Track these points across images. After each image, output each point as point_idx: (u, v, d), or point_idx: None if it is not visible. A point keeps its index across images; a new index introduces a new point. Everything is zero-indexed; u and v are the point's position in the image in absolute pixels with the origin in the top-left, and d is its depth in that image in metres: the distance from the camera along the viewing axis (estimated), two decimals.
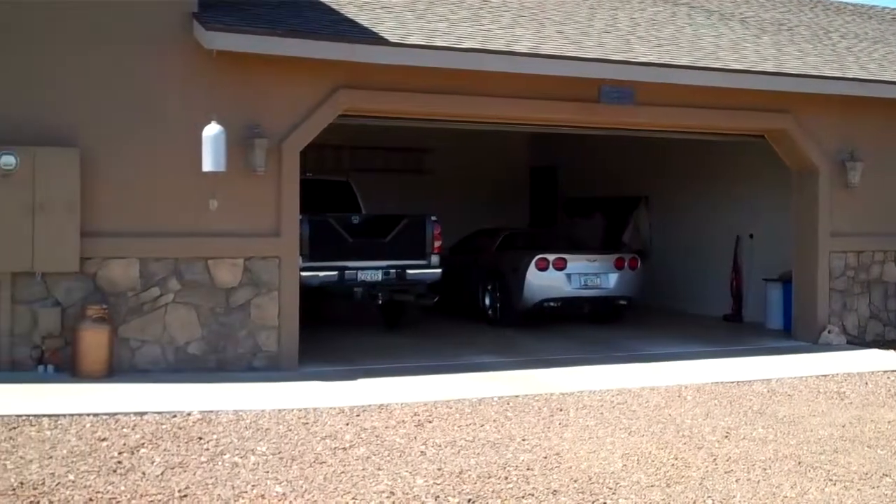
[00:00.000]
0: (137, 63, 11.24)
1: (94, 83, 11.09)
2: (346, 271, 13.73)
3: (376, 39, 11.95)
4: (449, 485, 7.21)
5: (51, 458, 7.61)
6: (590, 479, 7.43)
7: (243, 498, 6.79)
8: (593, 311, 16.39)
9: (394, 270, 13.98)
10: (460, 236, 17.66)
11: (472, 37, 12.86)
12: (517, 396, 10.37)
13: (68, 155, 10.86)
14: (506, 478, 7.42)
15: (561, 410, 9.79)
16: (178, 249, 11.29)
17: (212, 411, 9.25)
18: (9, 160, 10.62)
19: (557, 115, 13.26)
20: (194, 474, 7.30)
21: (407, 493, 6.99)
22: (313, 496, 6.87)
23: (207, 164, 10.92)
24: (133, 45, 11.22)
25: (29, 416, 8.79)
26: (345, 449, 8.15)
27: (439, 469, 7.60)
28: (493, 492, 7.07)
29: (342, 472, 7.46)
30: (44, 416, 8.81)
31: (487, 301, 16.24)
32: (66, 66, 11.00)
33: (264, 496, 6.84)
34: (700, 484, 7.40)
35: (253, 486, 7.06)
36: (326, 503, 6.75)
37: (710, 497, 7.09)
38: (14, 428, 8.42)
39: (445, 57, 12.06)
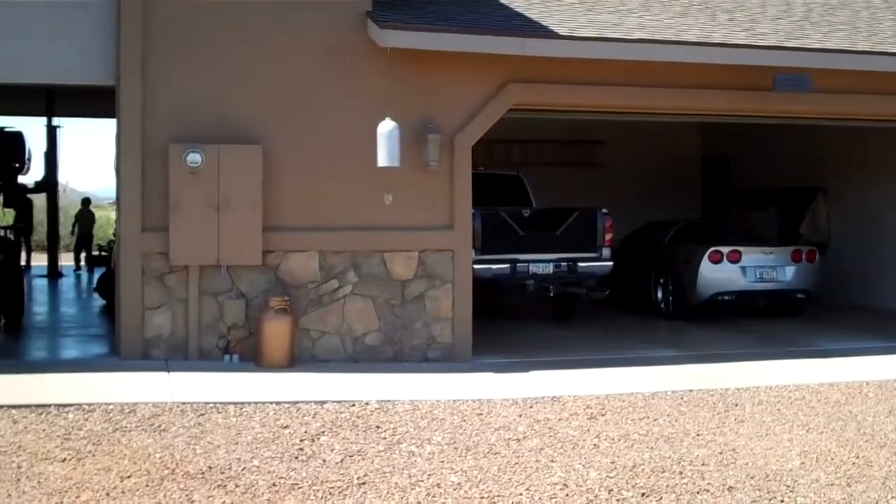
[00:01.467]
0: (315, 62, 11.58)
1: (274, 83, 11.48)
2: (518, 264, 13.83)
3: (546, 33, 11.99)
4: (622, 478, 7.21)
5: (236, 443, 7.95)
6: (766, 476, 7.32)
7: (419, 486, 6.96)
8: (769, 306, 16.02)
9: (565, 263, 14.00)
10: (631, 229, 17.51)
11: (642, 27, 12.75)
12: (691, 391, 10.26)
13: (251, 152, 11.29)
14: (680, 473, 7.38)
15: (736, 406, 9.64)
16: (356, 243, 11.61)
17: (389, 401, 9.49)
18: (195, 158, 11.09)
19: (729, 105, 12.99)
20: (372, 462, 7.52)
21: (580, 486, 7.03)
22: (488, 486, 6.98)
23: (382, 160, 11.18)
24: (311, 45, 11.57)
25: (216, 403, 9.20)
26: (518, 440, 8.24)
27: (612, 462, 7.61)
28: (667, 486, 7.05)
29: (516, 463, 7.56)
30: (230, 403, 9.21)
31: (659, 294, 16.08)
32: (247, 66, 11.42)
33: (440, 485, 6.99)
34: (883, 484, 7.19)
35: (429, 475, 7.22)
36: (501, 493, 6.85)
37: (893, 497, 6.89)
38: (202, 414, 8.82)
39: (615, 48, 11.99)
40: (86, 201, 27.25)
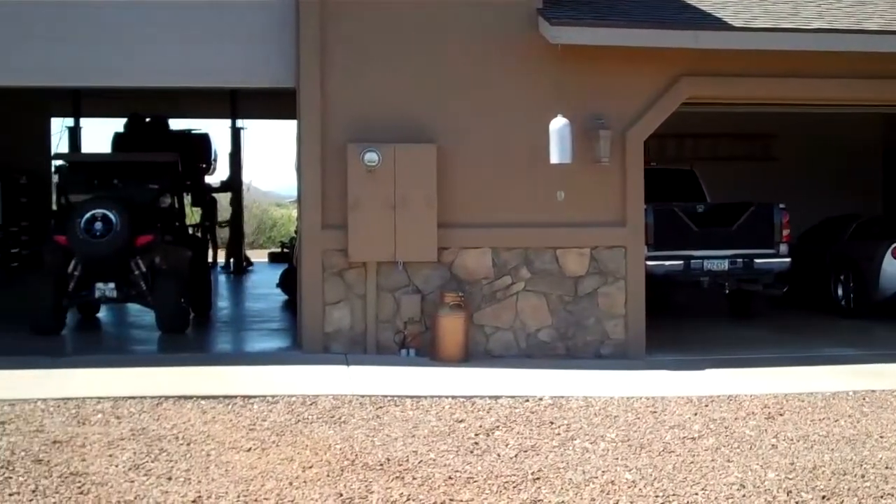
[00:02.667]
0: (486, 61, 11.72)
1: (447, 82, 11.67)
2: (692, 261, 13.66)
3: (720, 25, 11.80)
4: (802, 480, 7.07)
5: (413, 436, 8.14)
6: None
7: (593, 483, 6.99)
8: None
9: (741, 260, 13.75)
10: (807, 225, 17.02)
11: (821, 17, 12.39)
12: (873, 391, 9.94)
13: (426, 151, 11.51)
14: (862, 476, 7.18)
15: None
16: (528, 239, 11.70)
17: (562, 397, 9.54)
18: (372, 157, 11.38)
19: None
20: (546, 458, 7.59)
21: (758, 487, 6.93)
22: (662, 485, 6.96)
23: (554, 157, 11.23)
24: (481, 44, 11.71)
25: (393, 396, 9.44)
26: (693, 439, 8.17)
27: (791, 463, 7.47)
28: (848, 490, 6.87)
29: (691, 462, 7.50)
30: (407, 396, 9.43)
31: (839, 291, 15.58)
32: (421, 66, 11.65)
33: (614, 482, 7.00)
34: None
35: (603, 471, 7.25)
36: (676, 492, 6.81)
37: None
38: (380, 407, 9.07)
39: (792, 39, 11.71)
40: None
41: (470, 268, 11.65)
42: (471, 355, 11.35)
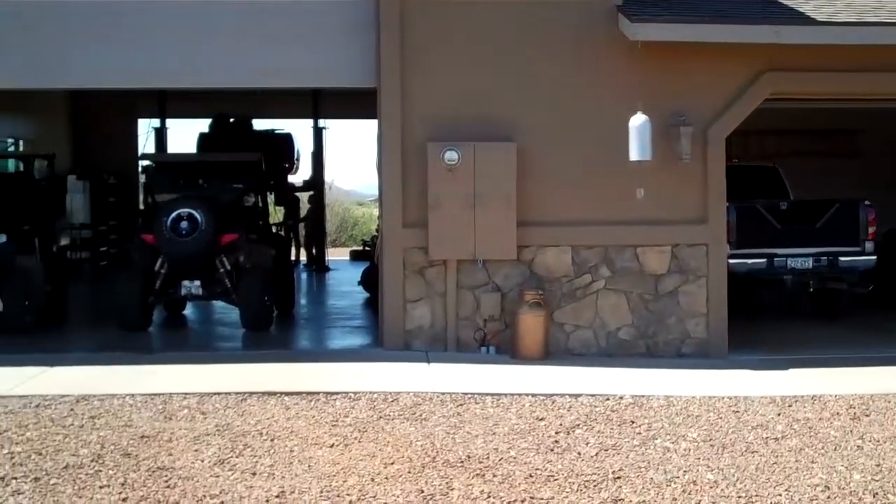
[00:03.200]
0: (565, 58, 11.70)
1: (527, 80, 11.68)
2: (775, 259, 13.47)
3: (802, 20, 11.62)
4: (888, 482, 6.96)
5: (493, 434, 8.18)
6: None
7: (675, 483, 6.96)
8: None
9: (825, 258, 13.51)
10: (894, 222, 16.65)
11: None
12: None
13: (505, 149, 11.53)
14: None
15: None
16: (608, 237, 11.66)
17: (643, 396, 9.50)
18: (452, 156, 11.45)
19: None
20: (627, 457, 7.57)
21: (843, 489, 6.84)
22: (745, 486, 6.90)
23: (634, 154, 11.17)
24: (561, 42, 11.70)
25: (474, 394, 9.49)
26: (776, 439, 8.08)
27: (878, 465, 7.36)
28: None
29: (774, 463, 7.43)
30: (487, 394, 9.47)
31: None
32: (500, 64, 11.67)
33: (696, 482, 6.97)
34: None
35: (684, 471, 7.21)
36: (759, 493, 6.76)
37: None
38: (461, 405, 9.12)
39: (877, 33, 11.48)
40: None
41: (550, 266, 11.66)
42: (551, 353, 11.35)
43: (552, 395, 9.49)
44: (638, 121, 11.15)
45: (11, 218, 13.56)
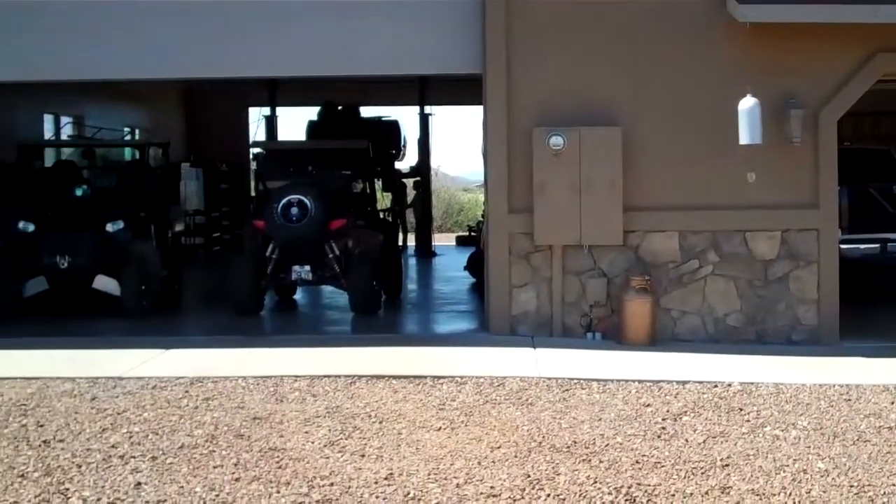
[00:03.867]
0: (672, 41, 11.59)
1: (633, 63, 11.60)
2: (889, 244, 13.15)
3: None
4: None
5: (600, 420, 8.18)
6: None
7: (784, 471, 6.87)
8: None
9: None
10: None
11: None
12: None
13: (611, 134, 11.48)
14: None
15: None
16: (716, 222, 11.53)
17: (751, 383, 9.39)
18: (557, 141, 11.44)
19: None
20: (735, 444, 7.50)
21: None
22: (857, 475, 6.79)
23: (744, 137, 11.01)
24: (667, 24, 11.59)
25: (580, 379, 9.49)
26: (890, 428, 7.92)
27: None
28: None
29: (887, 453, 7.28)
30: (593, 380, 9.47)
31: None
32: (605, 49, 11.62)
33: (806, 471, 6.87)
34: None
35: (794, 460, 7.12)
36: (871, 483, 6.64)
37: None
38: (567, 390, 9.14)
39: None
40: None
41: (656, 251, 11.57)
42: (657, 339, 11.28)
43: (659, 381, 9.44)
44: (747, 104, 10.98)
45: (128, 205, 14.00)
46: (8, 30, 12.03)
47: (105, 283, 13.51)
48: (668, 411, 8.43)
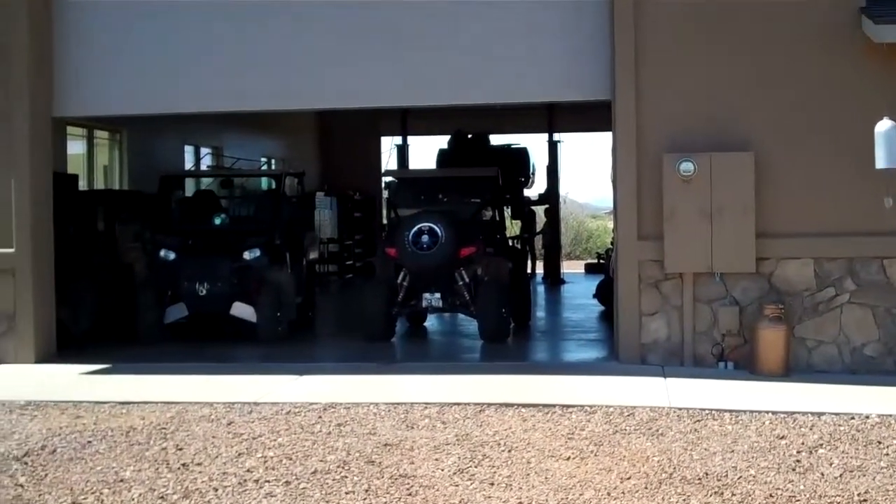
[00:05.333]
0: (804, 64, 11.38)
1: (763, 87, 11.41)
2: None
3: None
4: None
5: (732, 451, 8.04)
6: None
7: None
8: None
9: None
10: None
11: None
12: None
13: (743, 159, 11.31)
14: None
15: None
16: (853, 249, 11.24)
17: (890, 415, 9.09)
18: (688, 167, 11.33)
19: None
20: (873, 479, 7.29)
21: None
22: None
23: (880, 161, 10.70)
24: (801, 46, 11.38)
25: (712, 409, 9.34)
26: None
27: None
28: None
29: None
30: (725, 410, 9.31)
31: None
32: (736, 73, 11.47)
33: None
34: None
35: None
36: None
37: None
38: (698, 420, 9.01)
39: None
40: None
41: (790, 279, 11.34)
42: (791, 369, 11.04)
43: (793, 412, 9.24)
44: (884, 126, 10.68)
45: (265, 233, 14.40)
46: (151, 64, 12.53)
47: (242, 310, 13.92)
48: (803, 444, 8.24)
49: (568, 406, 9.47)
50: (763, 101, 11.43)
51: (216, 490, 7.10)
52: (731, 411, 9.28)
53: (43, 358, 12.32)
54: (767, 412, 9.25)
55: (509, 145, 24.04)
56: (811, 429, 8.71)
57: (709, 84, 11.52)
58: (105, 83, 12.65)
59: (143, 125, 17.42)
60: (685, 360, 11.46)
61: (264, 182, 20.00)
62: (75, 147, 16.89)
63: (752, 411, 9.28)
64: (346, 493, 7.01)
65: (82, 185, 16.49)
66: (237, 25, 12.38)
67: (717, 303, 11.44)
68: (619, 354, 11.70)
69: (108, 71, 12.61)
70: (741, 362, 11.27)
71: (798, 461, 7.75)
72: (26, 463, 7.82)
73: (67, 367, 11.90)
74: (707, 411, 9.29)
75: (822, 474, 7.41)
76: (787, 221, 11.35)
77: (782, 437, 8.44)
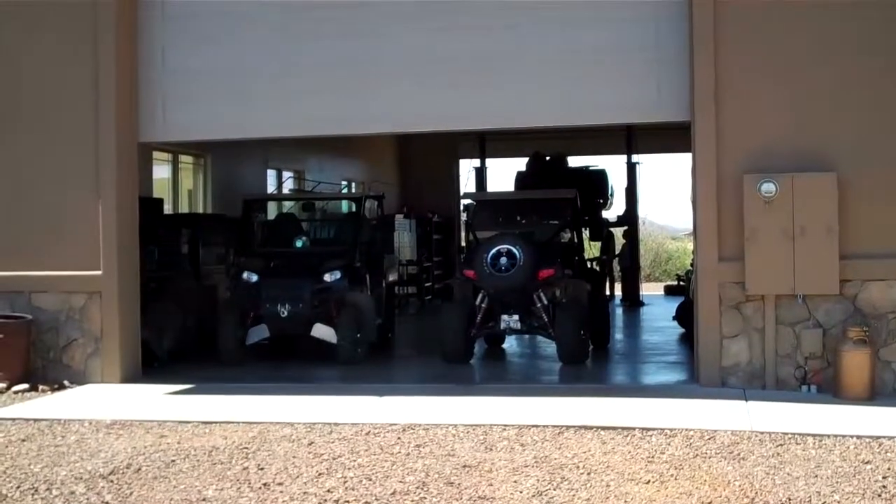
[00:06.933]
0: (889, 83, 11.20)
1: (845, 106, 11.25)
2: None
3: None
4: None
5: (815, 476, 7.91)
6: None
7: None
8: None
9: None
10: None
11: None
12: None
13: (825, 180, 11.15)
14: None
15: None
16: None
17: None
18: (769, 188, 11.21)
19: None
20: None
21: None
22: None
23: None
24: (881, 63, 11.20)
25: (794, 433, 9.20)
26: None
27: None
28: None
29: None
30: (808, 434, 9.17)
31: None
32: (817, 93, 11.32)
33: None
34: None
35: None
36: None
37: None
38: (780, 444, 8.88)
39: None
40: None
41: (875, 301, 11.13)
42: (876, 393, 10.83)
43: (879, 437, 9.06)
44: None
45: (345, 256, 14.56)
46: (231, 90, 12.79)
47: (323, 332, 14.08)
48: (889, 469, 8.08)
49: (648, 429, 9.40)
50: (845, 121, 11.28)
51: None
52: (814, 435, 9.14)
53: (128, 378, 12.59)
54: (852, 436, 9.08)
55: (587, 167, 24.00)
56: None
57: (790, 104, 11.39)
58: (188, 109, 12.93)
59: (227, 149, 17.77)
60: (767, 383, 11.30)
61: (345, 205, 20.22)
62: (161, 171, 17.28)
63: (835, 435, 9.13)
64: None
65: (167, 208, 16.85)
66: (316, 51, 12.55)
67: (799, 325, 11.27)
68: (699, 377, 11.58)
69: (192, 97, 12.89)
70: (824, 386, 11.08)
71: (884, 486, 7.60)
72: (112, 481, 7.99)
73: (152, 386, 12.14)
74: (790, 435, 9.16)
75: None
76: (871, 242, 11.16)
77: (867, 462, 8.28)
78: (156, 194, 16.15)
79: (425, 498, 7.41)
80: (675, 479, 7.85)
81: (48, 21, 12.81)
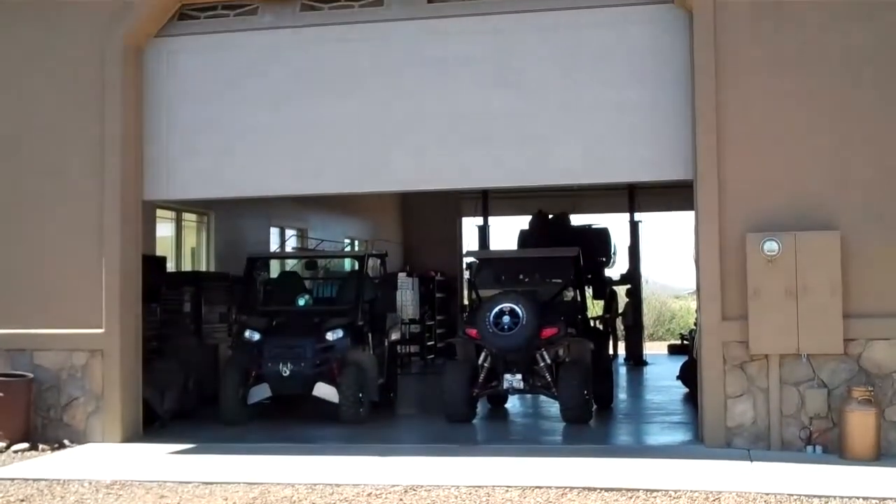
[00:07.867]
0: (889, 140, 11.23)
1: (850, 165, 11.26)
2: None
3: None
4: None
5: None
6: None
7: None
8: None
9: None
10: None
11: None
12: None
13: (828, 238, 11.16)
14: None
15: None
16: None
17: None
18: (772, 246, 11.20)
19: None
20: None
21: None
22: None
23: None
24: (881, 123, 11.24)
25: (800, 495, 9.08)
26: None
27: None
28: None
29: None
30: (814, 496, 9.07)
31: None
32: (822, 151, 11.33)
33: None
34: None
35: None
36: None
37: None
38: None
39: None
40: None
41: (879, 360, 11.08)
42: (882, 454, 10.73)
43: (885, 498, 8.96)
44: None
45: (348, 314, 14.54)
46: (232, 150, 12.88)
47: (325, 391, 14.02)
48: None
49: (652, 490, 9.31)
50: (848, 179, 11.30)
51: None
52: (820, 496, 9.05)
53: (129, 437, 12.52)
54: (858, 498, 9.00)
55: (590, 225, 24.04)
56: None
57: (792, 163, 11.42)
58: (191, 168, 13.00)
59: (230, 207, 17.83)
60: (772, 443, 11.21)
61: (347, 263, 20.22)
62: (164, 229, 17.32)
63: (841, 497, 9.04)
64: None
65: (170, 266, 16.86)
66: (314, 109, 12.63)
67: (804, 385, 11.21)
68: (703, 438, 11.50)
69: (195, 156, 12.96)
70: (830, 446, 10.99)
71: None
72: None
73: (153, 446, 12.07)
74: (795, 497, 9.07)
75: None
76: (875, 301, 11.13)
77: None
78: (159, 252, 16.17)
79: None
80: None
81: (56, 77, 12.93)
